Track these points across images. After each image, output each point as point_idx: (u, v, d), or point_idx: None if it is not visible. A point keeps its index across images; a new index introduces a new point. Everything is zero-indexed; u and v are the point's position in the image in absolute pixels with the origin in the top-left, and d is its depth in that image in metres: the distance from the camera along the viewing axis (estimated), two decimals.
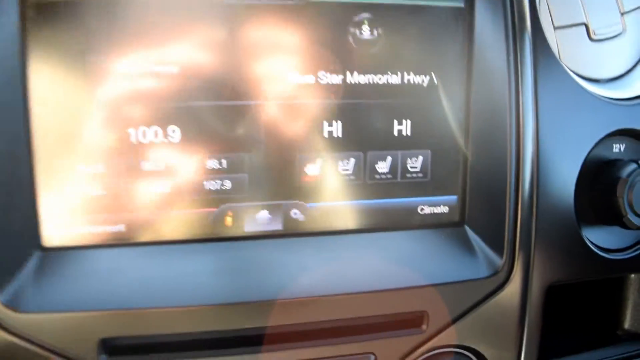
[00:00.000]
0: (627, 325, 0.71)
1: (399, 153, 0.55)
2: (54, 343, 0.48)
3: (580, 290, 0.69)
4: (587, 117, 0.60)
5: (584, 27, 0.64)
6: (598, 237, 0.63)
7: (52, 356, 0.49)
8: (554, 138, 0.59)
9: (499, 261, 0.55)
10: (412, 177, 0.56)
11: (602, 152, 0.63)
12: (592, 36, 0.64)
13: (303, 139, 0.53)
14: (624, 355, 0.69)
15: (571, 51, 0.64)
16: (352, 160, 0.54)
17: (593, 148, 0.61)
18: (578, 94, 0.61)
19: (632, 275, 0.69)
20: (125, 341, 0.50)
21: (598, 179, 0.61)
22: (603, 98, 0.62)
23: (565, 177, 0.60)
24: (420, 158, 0.56)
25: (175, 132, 0.51)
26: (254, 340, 0.51)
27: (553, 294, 0.62)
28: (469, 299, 0.54)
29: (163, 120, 0.50)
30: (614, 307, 0.71)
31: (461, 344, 0.56)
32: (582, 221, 0.62)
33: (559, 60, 0.60)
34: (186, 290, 0.50)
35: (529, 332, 0.59)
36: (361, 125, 0.54)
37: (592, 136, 0.61)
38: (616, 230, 0.63)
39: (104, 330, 0.48)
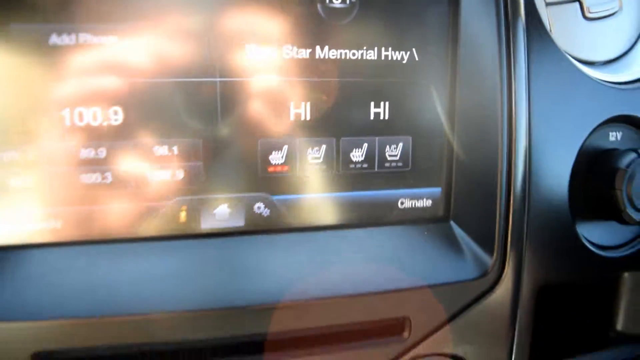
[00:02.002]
0: (619, 326, 0.66)
1: (377, 139, 0.49)
2: None
3: (572, 289, 0.63)
4: (582, 103, 0.55)
5: (577, 4, 0.59)
6: (593, 234, 0.58)
7: None
8: (547, 125, 0.53)
9: (489, 260, 0.49)
10: (391, 167, 0.50)
11: (598, 141, 0.58)
12: (587, 14, 0.59)
13: (266, 123, 0.47)
14: (619, 357, 0.64)
15: (564, 30, 0.58)
16: (323, 147, 0.48)
17: (588, 136, 0.56)
18: (573, 76, 0.55)
19: (626, 274, 0.64)
20: (62, 355, 0.43)
21: (594, 170, 0.56)
22: (599, 82, 0.56)
23: (559, 168, 0.55)
24: (400, 145, 0.50)
25: (117, 114, 0.44)
26: (210, 353, 0.45)
27: (544, 295, 0.56)
28: (455, 303, 0.48)
29: (103, 100, 0.43)
30: (606, 308, 0.66)
31: (446, 352, 0.50)
32: (577, 216, 0.56)
33: (552, 39, 0.55)
34: (133, 296, 0.43)
35: (519, 337, 0.53)
36: (333, 107, 0.48)
37: (587, 123, 0.56)
38: (612, 225, 0.58)
39: (37, 343, 0.42)
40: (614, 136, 0.58)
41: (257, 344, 0.46)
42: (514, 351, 0.54)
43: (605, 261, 0.58)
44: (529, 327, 0.55)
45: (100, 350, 0.44)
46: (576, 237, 0.56)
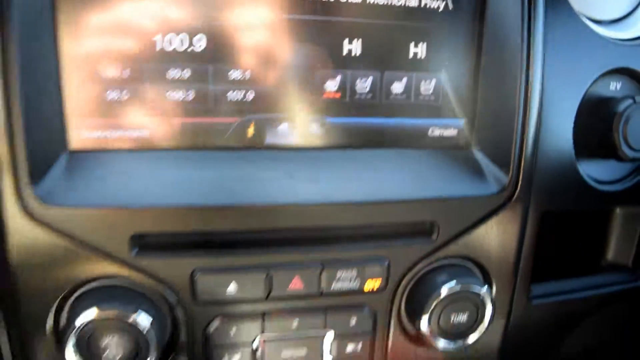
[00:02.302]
0: (610, 257, 0.76)
1: (414, 75, 0.58)
2: (88, 238, 0.50)
3: (570, 220, 0.73)
4: (588, 55, 0.64)
5: None
6: (592, 170, 0.67)
7: (86, 251, 0.51)
8: (558, 73, 0.62)
9: (505, 179, 0.58)
10: (424, 99, 0.59)
11: (600, 90, 0.66)
12: None
13: (324, 56, 0.55)
14: (607, 282, 0.74)
15: None
16: (370, 79, 0.57)
17: (592, 84, 0.65)
18: (583, 32, 0.64)
19: (618, 210, 0.73)
20: (154, 238, 0.52)
21: (595, 114, 0.65)
22: (605, 38, 0.65)
23: (565, 111, 0.64)
24: (434, 81, 0.59)
25: (201, 41, 0.52)
26: (277, 242, 0.54)
27: (546, 221, 0.66)
28: (475, 214, 0.58)
29: (190, 29, 0.51)
30: (599, 240, 0.75)
31: (467, 255, 0.60)
32: (579, 153, 0.65)
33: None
34: (211, 191, 0.52)
35: (526, 249, 0.63)
36: (380, 45, 0.56)
37: (591, 73, 0.65)
38: (609, 163, 0.67)
39: (134, 226, 0.51)
40: (614, 86, 0.67)
41: (314, 237, 0.55)
42: (521, 261, 0.63)
43: (601, 194, 0.68)
44: (533, 243, 0.64)
45: (184, 235, 0.53)
46: (577, 171, 0.66)
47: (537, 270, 0.69)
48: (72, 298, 0.53)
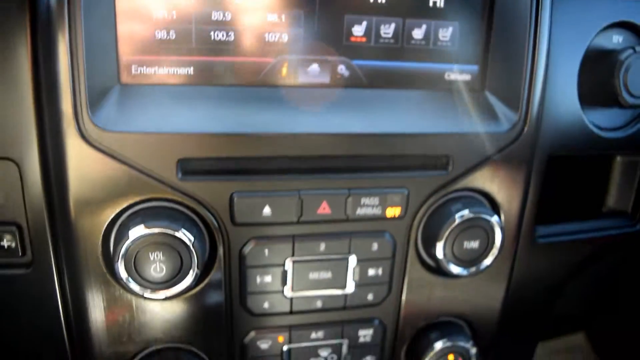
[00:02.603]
0: (610, 203, 0.81)
1: (432, 23, 0.63)
2: (139, 161, 0.56)
3: (574, 167, 0.78)
4: (592, 7, 0.69)
5: None
6: (596, 118, 0.73)
7: (136, 174, 0.56)
8: (564, 23, 0.67)
9: (515, 118, 0.63)
10: (442, 46, 0.64)
11: (603, 42, 0.72)
12: None
13: (352, 2, 0.60)
14: (608, 226, 0.79)
15: None
16: (393, 25, 0.62)
17: (595, 36, 0.70)
18: None
19: (619, 158, 0.79)
20: (198, 163, 0.58)
21: (598, 63, 0.70)
22: None
23: (570, 60, 0.69)
24: (451, 29, 0.64)
25: None
26: (307, 169, 0.60)
27: (551, 165, 0.71)
28: (487, 149, 0.63)
29: None
30: (600, 187, 0.81)
31: (479, 188, 0.65)
32: (584, 103, 0.71)
33: None
34: (249, 121, 0.58)
35: (532, 188, 0.69)
36: None
37: (595, 24, 0.70)
38: (612, 112, 0.72)
39: (181, 151, 0.56)
40: (617, 39, 0.72)
41: (337, 166, 0.61)
42: (528, 199, 0.69)
43: (603, 141, 0.73)
44: (539, 183, 0.70)
45: (224, 160, 0.58)
46: (581, 118, 0.71)
47: (541, 216, 0.74)
48: (121, 219, 0.59)
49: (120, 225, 0.58)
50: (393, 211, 0.63)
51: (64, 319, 0.64)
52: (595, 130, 0.72)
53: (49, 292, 0.62)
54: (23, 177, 0.58)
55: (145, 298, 0.60)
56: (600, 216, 0.81)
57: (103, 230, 0.58)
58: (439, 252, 0.64)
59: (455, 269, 0.66)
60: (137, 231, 0.55)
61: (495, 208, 0.67)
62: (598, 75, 0.70)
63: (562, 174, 0.77)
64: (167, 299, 0.61)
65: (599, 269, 0.95)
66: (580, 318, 1.17)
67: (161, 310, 0.63)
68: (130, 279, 0.56)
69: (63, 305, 0.63)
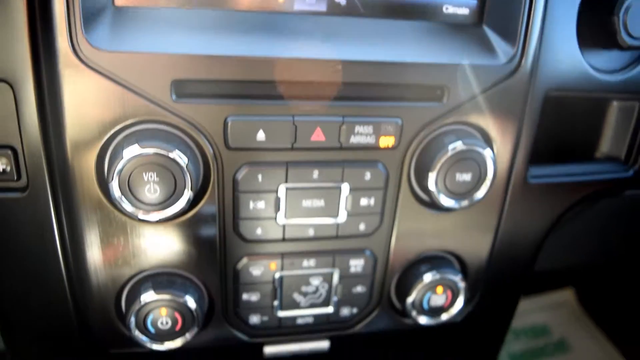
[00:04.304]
0: (604, 149, 0.82)
1: None
2: (133, 82, 0.56)
3: (570, 112, 0.78)
4: None
5: None
6: (594, 59, 0.72)
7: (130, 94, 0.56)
8: None
9: (512, 51, 0.63)
10: None
11: None
12: None
13: None
14: (600, 170, 0.80)
15: None
16: None
17: None
18: None
19: (615, 103, 0.79)
20: (192, 84, 0.58)
21: (599, 1, 0.70)
22: None
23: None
24: None
25: None
26: (302, 95, 0.60)
27: (547, 106, 0.71)
28: (483, 82, 0.63)
29: None
30: (595, 132, 0.81)
31: (473, 122, 0.66)
32: (583, 43, 0.70)
33: None
34: (245, 44, 0.58)
35: (527, 126, 0.69)
36: None
37: None
38: (611, 54, 0.72)
39: (175, 72, 0.56)
40: None
41: (330, 93, 0.61)
42: (522, 136, 0.69)
43: (601, 83, 0.73)
44: (534, 122, 0.70)
45: (219, 83, 0.58)
46: (579, 58, 0.71)
47: (536, 158, 0.75)
48: (116, 140, 0.59)
49: (115, 146, 0.59)
50: (386, 141, 0.63)
51: (59, 243, 0.65)
52: (592, 71, 0.72)
53: (45, 216, 0.63)
54: (17, 99, 0.58)
55: (139, 220, 0.61)
56: (594, 161, 0.82)
57: (98, 152, 0.58)
58: (431, 183, 0.65)
59: (447, 201, 0.66)
60: (132, 151, 0.56)
61: (488, 142, 0.68)
62: (598, 15, 0.70)
63: (558, 119, 0.78)
64: (160, 222, 0.62)
65: (589, 219, 0.96)
66: (568, 273, 1.19)
67: (155, 234, 0.64)
68: (123, 197, 0.57)
69: (59, 229, 0.64)
